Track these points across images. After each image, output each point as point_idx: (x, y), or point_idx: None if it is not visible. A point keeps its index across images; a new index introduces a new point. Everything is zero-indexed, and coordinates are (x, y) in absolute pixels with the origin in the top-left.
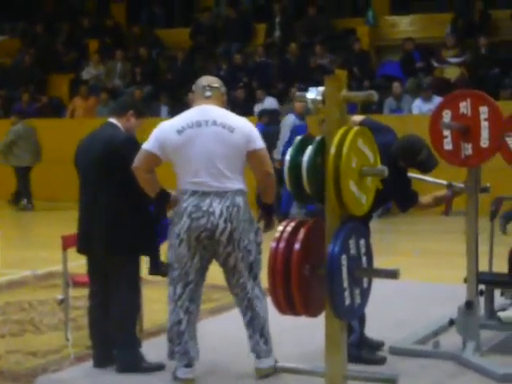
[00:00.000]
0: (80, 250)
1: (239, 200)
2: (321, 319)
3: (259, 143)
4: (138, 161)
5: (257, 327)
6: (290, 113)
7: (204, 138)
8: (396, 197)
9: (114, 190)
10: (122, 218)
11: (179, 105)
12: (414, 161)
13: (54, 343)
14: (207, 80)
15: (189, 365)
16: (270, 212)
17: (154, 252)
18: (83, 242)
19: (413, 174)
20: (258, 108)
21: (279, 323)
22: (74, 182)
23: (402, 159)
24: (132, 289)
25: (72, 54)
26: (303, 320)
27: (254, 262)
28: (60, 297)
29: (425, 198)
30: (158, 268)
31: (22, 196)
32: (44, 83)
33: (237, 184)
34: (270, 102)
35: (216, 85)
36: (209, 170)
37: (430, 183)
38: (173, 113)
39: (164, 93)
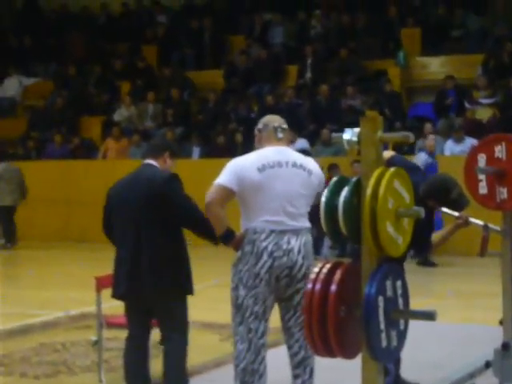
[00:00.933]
0: (122, 293)
1: (309, 237)
2: (356, 361)
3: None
4: (212, 195)
5: (308, 367)
6: (421, 151)
7: (285, 178)
8: (418, 237)
9: (159, 229)
10: (171, 259)
11: (211, 146)
12: (446, 199)
13: None
14: (277, 120)
15: None
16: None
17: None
18: (125, 284)
19: (445, 209)
20: None
21: (316, 364)
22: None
23: (434, 198)
24: (185, 329)
25: (104, 96)
26: (338, 361)
27: None
28: (94, 338)
29: (439, 233)
30: None
31: (3, 236)
32: (76, 125)
33: (307, 222)
34: (301, 143)
35: (285, 126)
36: (287, 209)
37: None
38: (204, 154)
39: (195, 134)
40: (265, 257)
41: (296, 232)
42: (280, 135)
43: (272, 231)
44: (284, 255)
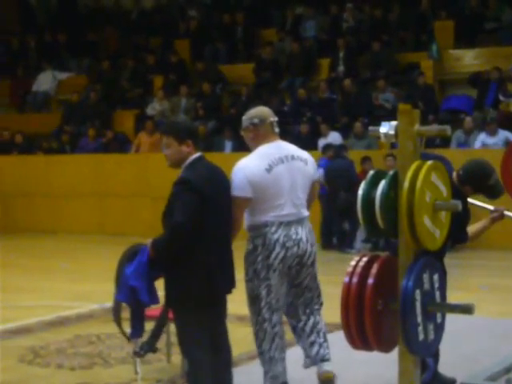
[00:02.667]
0: (222, 290)
1: (310, 225)
2: (392, 355)
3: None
4: (239, 212)
5: (321, 331)
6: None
7: (289, 173)
8: (455, 228)
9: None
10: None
11: (243, 140)
12: (483, 185)
13: (123, 376)
14: (270, 114)
15: (323, 360)
16: None
17: None
18: (230, 277)
19: (474, 201)
20: (322, 143)
21: (351, 358)
22: (137, 214)
23: (471, 184)
24: None
25: (137, 90)
26: (375, 355)
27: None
28: (129, 330)
29: (474, 227)
30: None
31: None
32: (109, 119)
33: (306, 211)
34: (334, 137)
35: (277, 119)
36: (293, 202)
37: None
38: (236, 148)
39: (228, 128)
40: (277, 248)
41: (300, 222)
42: (276, 130)
43: (281, 223)
44: (294, 245)
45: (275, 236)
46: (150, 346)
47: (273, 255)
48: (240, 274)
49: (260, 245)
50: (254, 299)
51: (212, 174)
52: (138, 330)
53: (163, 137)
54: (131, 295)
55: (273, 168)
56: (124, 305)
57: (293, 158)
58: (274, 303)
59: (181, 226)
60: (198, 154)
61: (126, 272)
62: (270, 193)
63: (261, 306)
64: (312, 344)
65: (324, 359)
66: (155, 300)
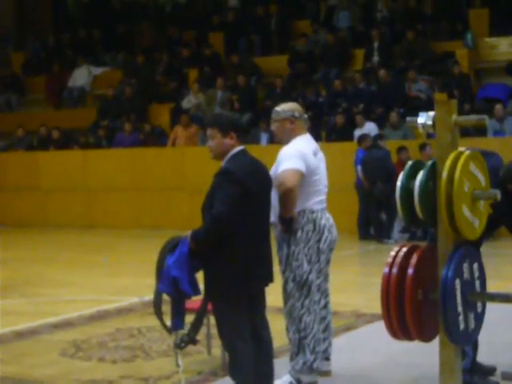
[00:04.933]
0: (261, 283)
1: None
2: (432, 344)
3: None
4: (293, 182)
5: (332, 330)
6: None
7: (322, 162)
8: (505, 222)
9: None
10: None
11: None
12: None
13: (165, 369)
14: (302, 110)
15: (328, 358)
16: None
17: None
18: (267, 271)
19: None
20: (357, 133)
21: (391, 348)
22: (175, 208)
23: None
24: None
25: (172, 84)
26: (416, 345)
27: None
28: (170, 323)
29: None
30: None
31: None
32: (145, 113)
33: None
34: (369, 127)
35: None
36: (325, 189)
37: None
38: (273, 140)
39: (263, 120)
40: (326, 233)
41: (325, 208)
42: (308, 125)
43: (323, 209)
44: (333, 230)
45: (323, 221)
46: (191, 338)
47: (323, 239)
48: (277, 267)
49: (311, 230)
50: (302, 284)
51: (254, 168)
52: (179, 322)
53: (207, 128)
54: (173, 286)
55: (317, 154)
56: (165, 298)
57: (319, 150)
58: (322, 285)
59: (221, 215)
60: (241, 147)
61: (168, 262)
62: (314, 177)
63: (311, 289)
64: (323, 341)
65: (328, 358)
66: (196, 291)
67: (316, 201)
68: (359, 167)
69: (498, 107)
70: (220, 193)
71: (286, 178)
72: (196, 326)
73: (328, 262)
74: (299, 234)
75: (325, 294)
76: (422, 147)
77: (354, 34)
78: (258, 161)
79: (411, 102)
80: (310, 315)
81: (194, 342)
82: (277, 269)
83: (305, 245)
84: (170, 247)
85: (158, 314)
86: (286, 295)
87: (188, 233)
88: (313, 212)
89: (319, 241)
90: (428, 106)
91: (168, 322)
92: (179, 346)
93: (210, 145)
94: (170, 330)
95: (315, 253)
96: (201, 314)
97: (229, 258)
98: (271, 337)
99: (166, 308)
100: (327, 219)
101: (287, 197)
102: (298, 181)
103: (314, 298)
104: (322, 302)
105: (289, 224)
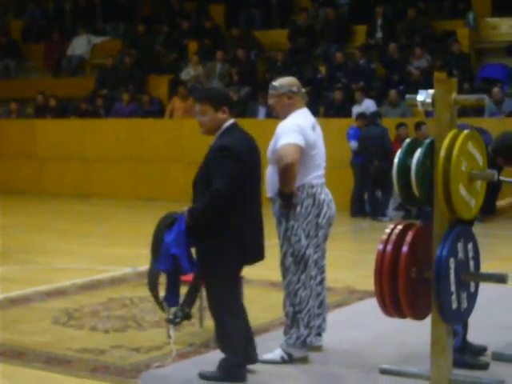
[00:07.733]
0: (254, 258)
1: None
2: (424, 322)
3: None
4: (293, 156)
5: (326, 306)
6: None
7: (320, 137)
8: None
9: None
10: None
11: None
12: None
13: (157, 340)
14: (300, 84)
15: (320, 334)
16: None
17: None
18: (259, 249)
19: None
20: (355, 110)
21: (383, 325)
22: (171, 179)
23: (502, 154)
24: None
25: (171, 55)
26: (408, 322)
27: None
28: (162, 295)
29: (504, 201)
30: None
31: None
32: (143, 84)
33: None
34: (368, 104)
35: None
36: (323, 164)
37: None
38: (270, 114)
39: (262, 94)
40: (325, 208)
41: (323, 183)
42: (306, 99)
43: (322, 184)
44: (332, 205)
45: (322, 196)
46: (186, 314)
47: (321, 214)
48: (271, 241)
49: (310, 205)
50: (299, 258)
51: (248, 142)
52: (174, 298)
53: (197, 103)
54: (173, 263)
55: (315, 128)
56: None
57: (316, 123)
58: (320, 261)
59: (221, 193)
60: (232, 121)
61: (167, 240)
62: (313, 151)
63: (308, 264)
64: (318, 316)
65: (320, 334)
66: (194, 267)
67: (315, 175)
68: (352, 143)
69: (496, 91)
70: (219, 169)
71: (286, 153)
72: (190, 301)
73: (326, 237)
74: (298, 208)
75: (321, 270)
76: (418, 126)
77: (354, 10)
78: (248, 134)
79: (411, 80)
80: (306, 290)
81: (188, 317)
82: (268, 244)
83: (304, 220)
84: (167, 223)
85: (154, 291)
86: (284, 269)
87: (184, 209)
88: (312, 187)
89: (318, 216)
90: (426, 84)
91: (161, 294)
92: (173, 321)
93: (201, 120)
94: (163, 308)
95: (313, 228)
96: (194, 291)
97: (223, 235)
98: None
99: (160, 279)
100: (326, 194)
101: (287, 172)
102: (297, 155)
103: (311, 273)
104: (318, 278)
105: (288, 199)
